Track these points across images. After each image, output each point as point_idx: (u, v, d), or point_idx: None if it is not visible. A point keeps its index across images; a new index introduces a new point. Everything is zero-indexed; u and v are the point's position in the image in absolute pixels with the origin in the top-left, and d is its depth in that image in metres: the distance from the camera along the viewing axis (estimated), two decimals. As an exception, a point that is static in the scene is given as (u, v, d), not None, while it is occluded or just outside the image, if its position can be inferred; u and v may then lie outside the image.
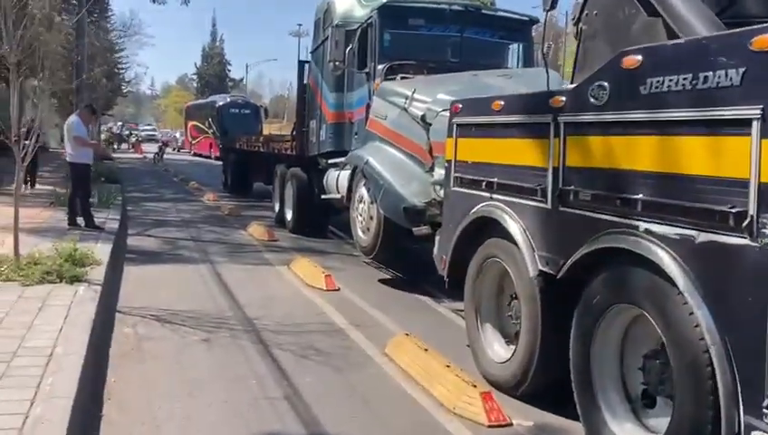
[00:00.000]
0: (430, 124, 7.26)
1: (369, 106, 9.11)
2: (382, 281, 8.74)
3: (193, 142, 44.74)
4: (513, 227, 4.62)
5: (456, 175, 5.50)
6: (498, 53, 9.74)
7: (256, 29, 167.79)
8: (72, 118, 11.38)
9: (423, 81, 8.25)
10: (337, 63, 9.22)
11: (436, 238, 5.94)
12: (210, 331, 6.24)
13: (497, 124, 4.90)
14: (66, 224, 10.76)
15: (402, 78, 8.53)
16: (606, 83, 3.83)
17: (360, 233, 8.61)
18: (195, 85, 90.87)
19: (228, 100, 39.63)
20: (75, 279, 6.99)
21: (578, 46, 5.85)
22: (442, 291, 7.98)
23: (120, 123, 68.77)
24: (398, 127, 7.89)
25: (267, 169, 16.85)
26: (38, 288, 6.64)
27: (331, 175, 10.27)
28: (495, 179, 4.90)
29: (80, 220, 10.77)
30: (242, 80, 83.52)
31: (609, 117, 3.78)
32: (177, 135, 56.59)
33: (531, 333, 4.54)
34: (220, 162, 24.87)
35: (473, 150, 5.25)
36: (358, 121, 9.62)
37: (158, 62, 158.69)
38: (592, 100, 3.92)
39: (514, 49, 9.68)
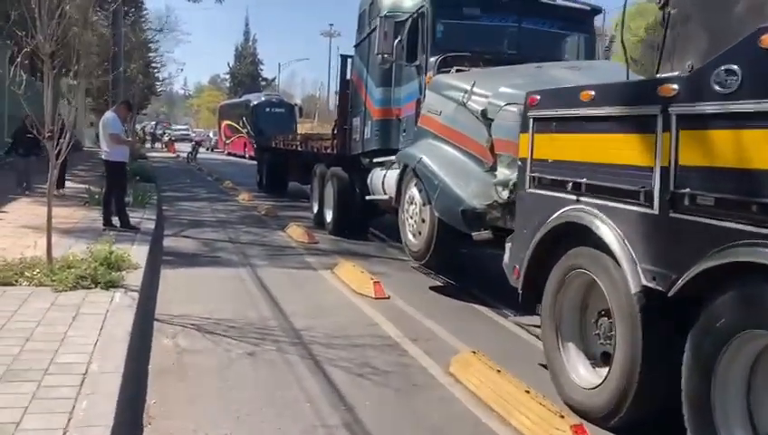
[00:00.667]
0: (492, 120, 6.68)
1: (419, 101, 8.57)
2: (433, 288, 8.18)
3: (227, 142, 44.58)
4: (608, 234, 4.02)
5: (533, 175, 4.91)
6: (558, 44, 9.13)
7: (289, 29, 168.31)
8: (108, 114, 10.97)
9: (482, 73, 7.66)
10: (385, 56, 8.67)
11: (507, 246, 5.36)
12: (255, 343, 5.73)
13: (587, 117, 4.30)
14: (101, 224, 10.36)
15: (457, 71, 7.96)
16: (737, 67, 3.22)
17: (410, 237, 8.06)
18: (227, 85, 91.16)
19: (263, 99, 39.32)
20: (111, 284, 6.53)
21: (664, 33, 5.26)
22: (500, 300, 7.43)
23: (153, 122, 69.14)
24: (455, 123, 7.32)
25: (304, 169, 16.43)
26: (71, 295, 6.18)
27: (377, 175, 9.73)
28: (584, 180, 4.31)
29: (115, 220, 10.37)
30: (274, 79, 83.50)
31: (742, 107, 3.18)
32: (211, 134, 56.57)
33: (628, 356, 3.94)
34: (254, 162, 24.50)
35: (554, 147, 4.67)
36: (406, 118, 9.07)
37: (191, 62, 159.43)
38: (717, 87, 3.32)
39: (575, 40, 9.04)
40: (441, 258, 7.79)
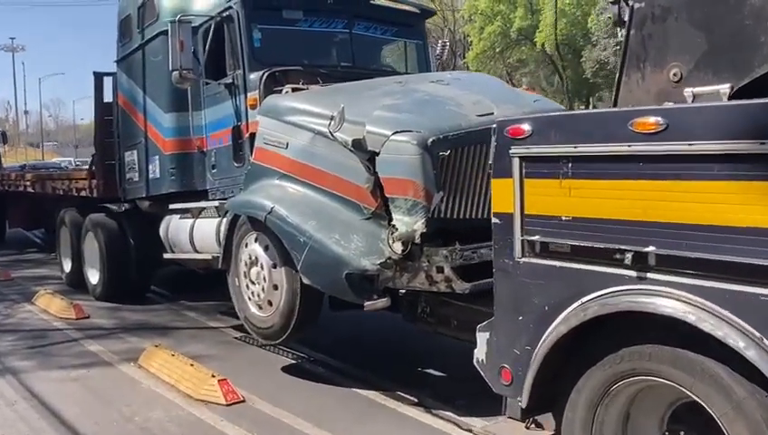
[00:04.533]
0: (376, 153, 5.08)
1: (237, 129, 6.66)
2: (288, 370, 6.30)
3: None
4: (731, 335, 2.66)
5: (529, 238, 3.41)
6: (392, 53, 7.76)
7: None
8: None
9: (335, 93, 6.00)
10: (185, 73, 6.57)
11: (482, 337, 3.78)
12: None
13: (657, 157, 2.90)
14: None
15: (294, 90, 6.19)
16: None
17: (253, 310, 6.10)
18: None
19: (-50, 124, 32.78)
20: None
21: (627, 32, 4.12)
22: (375, 373, 5.92)
23: None
24: (313, 159, 5.57)
25: (37, 214, 13.44)
26: None
27: (177, 226, 7.55)
28: (651, 249, 2.91)
29: None
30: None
31: None
32: None
33: None
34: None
35: (576, 199, 3.21)
36: (216, 151, 7.08)
37: None
38: None
39: (408, 48, 7.69)
40: (304, 333, 5.98)
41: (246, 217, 6.01)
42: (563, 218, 3.27)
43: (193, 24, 6.86)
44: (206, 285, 9.71)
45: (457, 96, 5.59)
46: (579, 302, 3.20)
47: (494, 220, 3.62)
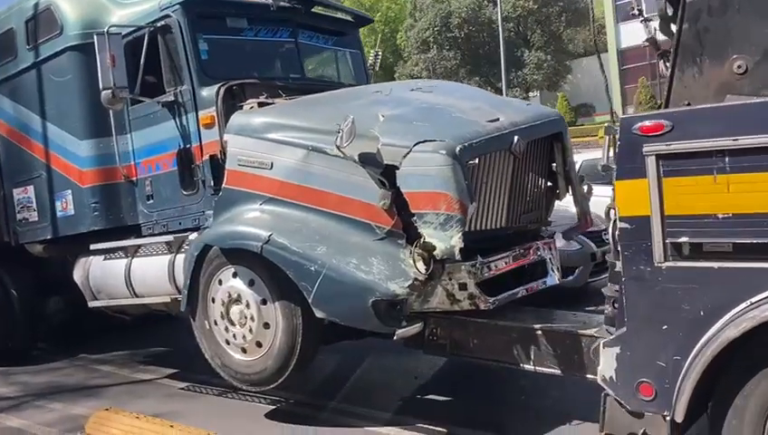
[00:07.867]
0: (396, 167, 4.64)
1: (184, 151, 5.87)
2: (275, 417, 5.58)
3: None
4: None
5: (675, 240, 3.19)
6: (335, 63, 7.24)
7: None
8: None
9: (323, 104, 5.47)
10: (118, 92, 5.70)
11: (611, 352, 3.47)
12: None
13: None
14: None
15: (260, 105, 5.55)
16: None
17: (234, 355, 5.34)
18: None
19: None
20: None
21: (680, 26, 4.08)
22: (380, 408, 5.46)
23: None
24: (310, 178, 4.97)
25: None
26: None
27: (103, 268, 6.49)
28: None
29: None
30: None
31: None
32: None
33: None
34: None
35: (736, 194, 3.03)
36: (151, 179, 6.21)
37: None
38: None
39: (346, 57, 7.22)
40: (301, 374, 5.33)
41: (220, 249, 5.29)
42: (720, 216, 3.08)
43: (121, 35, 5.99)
44: (94, 332, 8.67)
45: (455, 103, 5.30)
46: (746, 303, 3.02)
47: (621, 226, 3.36)
